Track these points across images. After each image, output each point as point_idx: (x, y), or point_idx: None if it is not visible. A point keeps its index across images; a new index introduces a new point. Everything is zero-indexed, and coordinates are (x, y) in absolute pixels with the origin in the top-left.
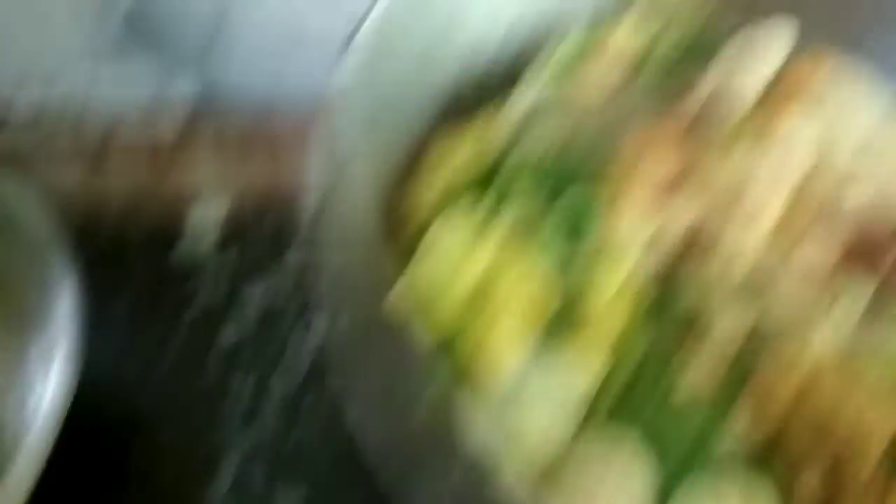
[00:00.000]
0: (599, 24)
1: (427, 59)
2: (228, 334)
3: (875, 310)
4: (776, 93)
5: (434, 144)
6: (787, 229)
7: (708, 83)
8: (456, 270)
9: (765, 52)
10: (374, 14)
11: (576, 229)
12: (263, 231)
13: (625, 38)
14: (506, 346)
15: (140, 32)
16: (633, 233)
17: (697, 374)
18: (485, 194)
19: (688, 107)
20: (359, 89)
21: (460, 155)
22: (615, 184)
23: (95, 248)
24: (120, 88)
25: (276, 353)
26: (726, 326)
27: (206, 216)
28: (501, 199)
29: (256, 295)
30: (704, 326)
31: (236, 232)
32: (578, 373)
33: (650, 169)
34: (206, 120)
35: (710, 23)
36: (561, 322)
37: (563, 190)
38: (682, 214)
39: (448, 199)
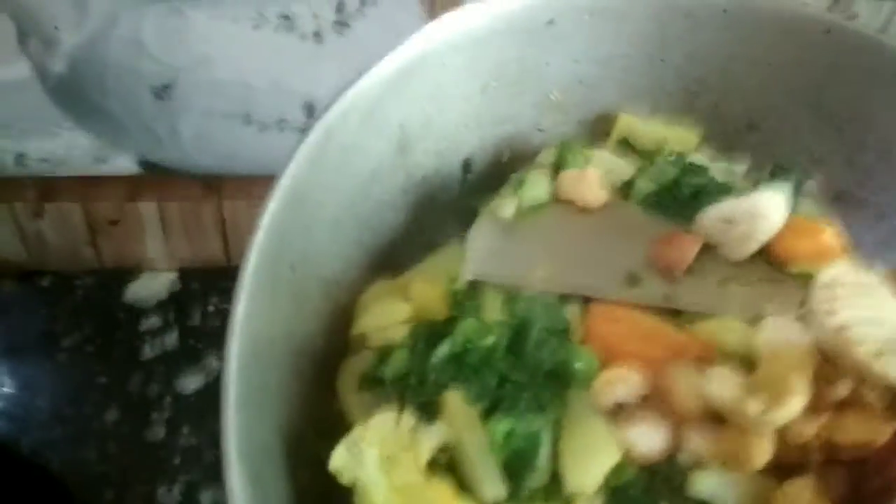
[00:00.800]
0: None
1: (357, 200)
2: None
3: None
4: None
5: (363, 299)
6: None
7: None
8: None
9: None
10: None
11: (520, 460)
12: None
13: (608, 166)
14: None
15: (72, 106)
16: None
17: None
18: (413, 393)
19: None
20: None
21: (392, 318)
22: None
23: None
24: (53, 161)
25: None
26: None
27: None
28: (430, 408)
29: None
30: None
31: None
32: None
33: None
34: (150, 195)
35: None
36: None
37: (510, 400)
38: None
39: (372, 384)
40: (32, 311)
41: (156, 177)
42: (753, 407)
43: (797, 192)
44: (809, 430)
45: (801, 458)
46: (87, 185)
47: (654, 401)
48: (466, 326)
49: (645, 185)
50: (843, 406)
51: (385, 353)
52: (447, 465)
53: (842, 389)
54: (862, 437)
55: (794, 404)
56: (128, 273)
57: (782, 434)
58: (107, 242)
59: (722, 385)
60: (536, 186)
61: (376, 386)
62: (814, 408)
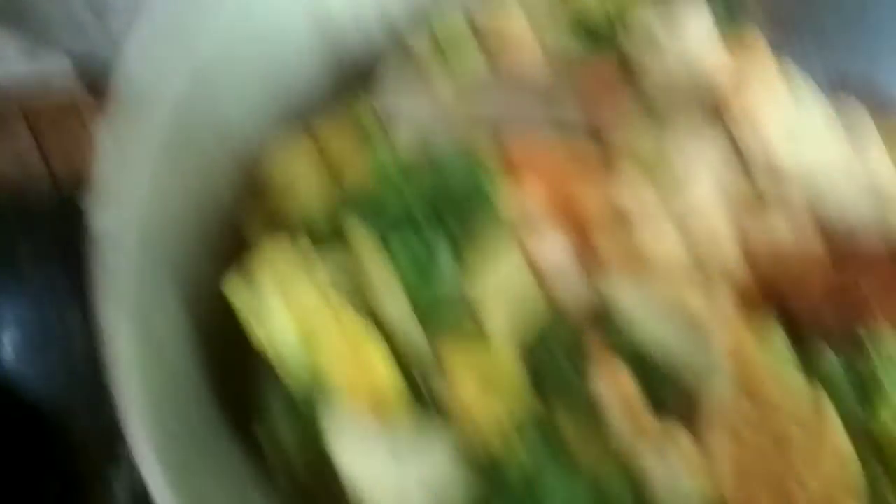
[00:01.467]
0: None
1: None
2: None
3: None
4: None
5: (273, 154)
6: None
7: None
8: (288, 327)
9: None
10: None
11: (422, 279)
12: None
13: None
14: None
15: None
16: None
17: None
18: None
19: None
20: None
21: (301, 170)
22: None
23: None
24: None
25: None
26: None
27: None
28: (337, 235)
29: None
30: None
31: None
32: (440, 467)
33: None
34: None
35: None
36: (418, 404)
37: (410, 219)
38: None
39: (286, 223)
40: None
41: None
42: (653, 196)
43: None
44: (725, 230)
45: (716, 263)
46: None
47: (563, 215)
48: (379, 168)
49: (566, 15)
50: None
51: (293, 196)
52: (354, 291)
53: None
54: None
55: (700, 200)
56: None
57: (698, 239)
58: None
59: (627, 184)
60: (455, 29)
61: (288, 230)
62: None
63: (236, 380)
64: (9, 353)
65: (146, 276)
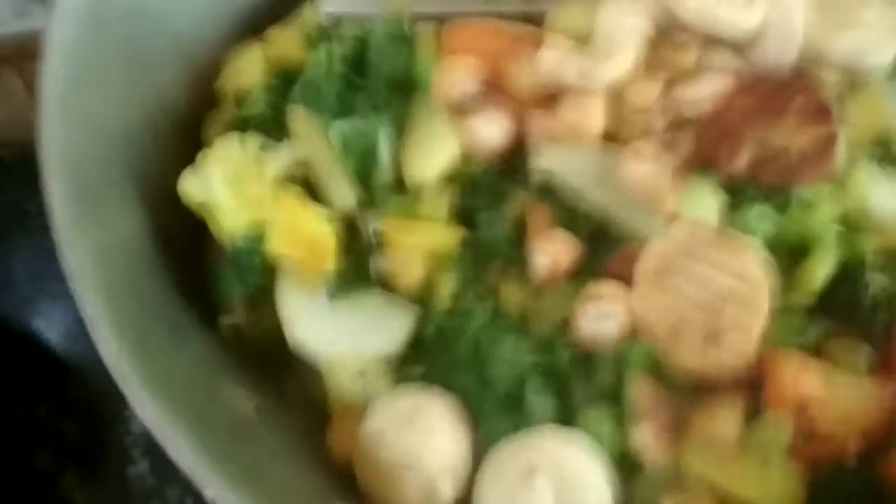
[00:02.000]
0: None
1: None
2: None
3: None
4: None
5: (227, 62)
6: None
7: None
8: (240, 216)
9: None
10: None
11: (363, 159)
12: None
13: None
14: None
15: None
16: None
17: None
18: (273, 128)
19: None
20: None
21: (253, 76)
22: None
23: None
24: None
25: None
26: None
27: None
28: (286, 131)
29: None
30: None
31: None
32: (383, 326)
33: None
34: None
35: None
36: (359, 271)
37: (346, 106)
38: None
39: (239, 124)
40: None
41: None
42: (579, 63)
43: None
44: (650, 91)
45: (645, 127)
46: (18, 46)
47: (495, 91)
48: (317, 56)
49: None
50: (686, 70)
51: (244, 97)
52: (304, 182)
53: (688, 55)
54: (705, 91)
55: (622, 60)
56: None
57: (625, 102)
58: None
59: (551, 54)
60: None
61: (240, 128)
62: (654, 70)
63: (197, 267)
64: (25, 306)
65: (96, 169)
